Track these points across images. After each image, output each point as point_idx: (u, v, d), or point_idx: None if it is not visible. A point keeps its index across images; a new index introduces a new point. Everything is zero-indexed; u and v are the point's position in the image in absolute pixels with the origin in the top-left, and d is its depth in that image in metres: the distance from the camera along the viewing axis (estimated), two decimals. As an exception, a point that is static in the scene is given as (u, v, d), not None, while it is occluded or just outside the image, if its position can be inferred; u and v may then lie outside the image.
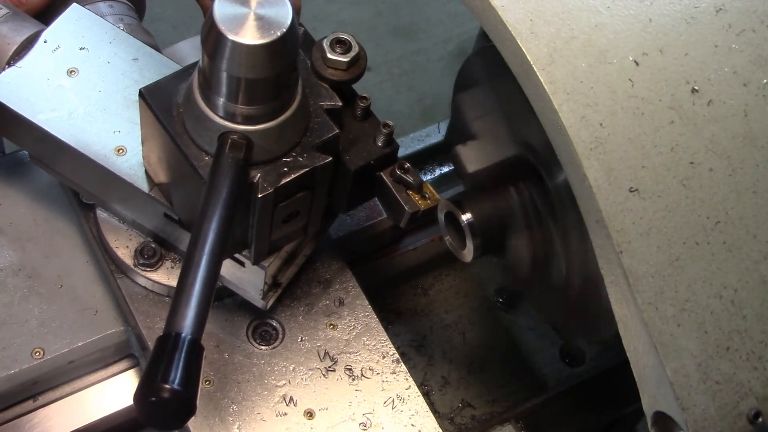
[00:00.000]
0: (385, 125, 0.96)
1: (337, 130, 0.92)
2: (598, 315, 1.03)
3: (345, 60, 0.93)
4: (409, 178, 0.97)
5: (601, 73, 0.82)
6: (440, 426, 1.05)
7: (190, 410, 0.76)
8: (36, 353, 1.06)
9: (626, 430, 1.47)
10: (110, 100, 1.02)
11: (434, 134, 1.45)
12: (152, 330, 1.05)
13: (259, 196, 0.88)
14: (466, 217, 1.07)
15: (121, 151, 1.00)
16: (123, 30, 1.09)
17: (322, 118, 0.92)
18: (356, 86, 0.98)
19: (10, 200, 1.15)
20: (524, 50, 0.81)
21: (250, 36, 0.79)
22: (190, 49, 1.30)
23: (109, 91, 1.02)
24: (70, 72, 1.02)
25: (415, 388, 1.07)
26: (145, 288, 1.08)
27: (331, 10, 2.97)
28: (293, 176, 0.89)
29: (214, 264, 0.82)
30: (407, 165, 0.98)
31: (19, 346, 1.06)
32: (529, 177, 1.05)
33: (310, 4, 2.95)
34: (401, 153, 1.29)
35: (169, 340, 0.77)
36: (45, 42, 1.03)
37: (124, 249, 1.07)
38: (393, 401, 1.06)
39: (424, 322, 1.33)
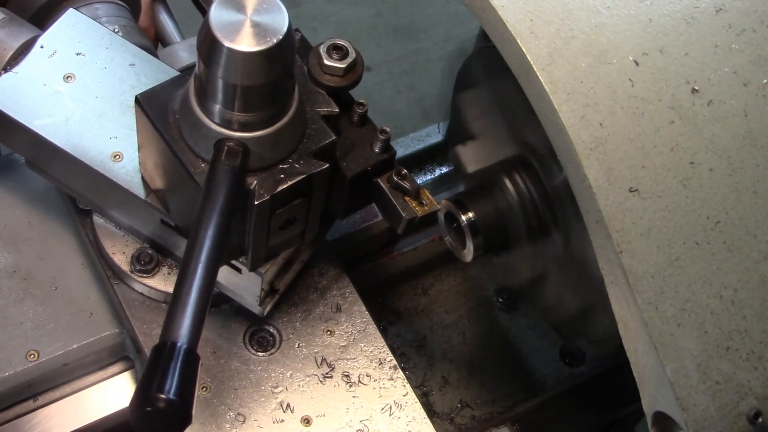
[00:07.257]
0: (383, 131, 0.96)
1: (334, 137, 0.92)
2: (595, 323, 1.03)
3: (342, 66, 0.93)
4: (406, 185, 0.97)
5: (601, 73, 0.82)
6: (440, 426, 1.04)
7: (186, 420, 0.76)
8: (30, 355, 1.06)
9: (626, 430, 1.47)
10: (107, 105, 1.01)
11: (434, 134, 1.44)
12: (149, 336, 1.05)
13: (256, 203, 0.87)
14: (466, 217, 1.07)
15: (117, 157, 0.99)
16: (119, 32, 1.08)
17: (318, 124, 0.92)
18: (356, 87, 0.97)
19: (5, 202, 1.15)
20: (524, 50, 0.81)
21: (246, 43, 0.79)
22: (187, 51, 1.30)
23: (105, 96, 1.01)
24: (67, 77, 1.02)
25: (412, 395, 1.06)
26: (141, 294, 1.07)
27: (331, 10, 2.96)
28: (290, 183, 0.89)
29: (211, 272, 0.81)
30: (404, 171, 0.98)
31: (14, 348, 1.06)
32: (529, 177, 1.05)
33: (310, 3, 2.95)
34: (402, 153, 1.27)
35: (164, 349, 0.77)
36: (41, 47, 1.02)
37: (120, 255, 1.07)
38: (390, 408, 1.05)
39: (424, 322, 1.33)
